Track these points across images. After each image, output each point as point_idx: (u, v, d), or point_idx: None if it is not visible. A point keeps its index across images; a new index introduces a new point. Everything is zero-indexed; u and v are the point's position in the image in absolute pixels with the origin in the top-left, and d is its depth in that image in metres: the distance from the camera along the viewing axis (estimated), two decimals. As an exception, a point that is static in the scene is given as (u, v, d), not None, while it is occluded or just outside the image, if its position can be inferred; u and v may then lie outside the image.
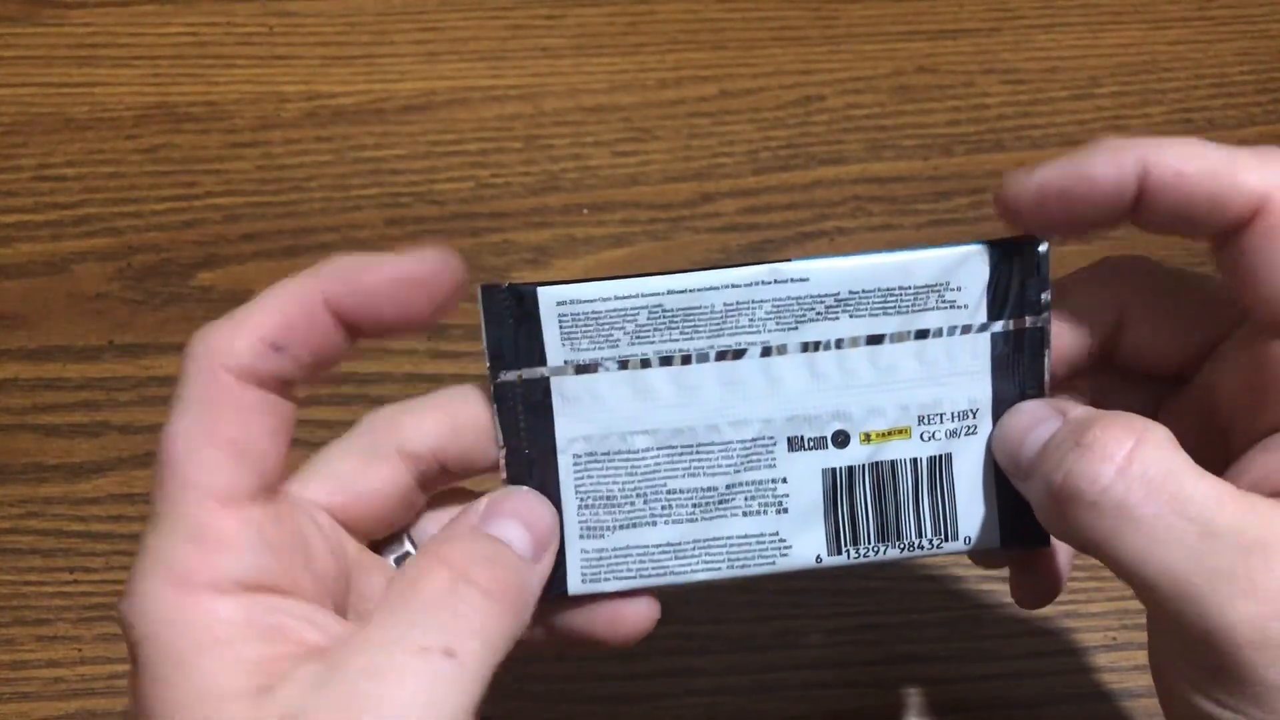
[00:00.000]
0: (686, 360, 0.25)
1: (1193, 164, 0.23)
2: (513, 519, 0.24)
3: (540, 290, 0.25)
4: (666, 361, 0.25)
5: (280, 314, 0.22)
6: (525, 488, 0.25)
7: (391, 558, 0.26)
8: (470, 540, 0.23)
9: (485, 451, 0.25)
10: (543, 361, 0.25)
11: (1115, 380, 0.27)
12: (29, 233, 0.46)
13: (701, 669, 0.38)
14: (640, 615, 0.26)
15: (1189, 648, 0.22)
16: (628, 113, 0.49)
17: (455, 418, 0.25)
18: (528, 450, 0.25)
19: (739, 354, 0.25)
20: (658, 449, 0.26)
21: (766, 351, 0.25)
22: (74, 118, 0.49)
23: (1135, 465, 0.22)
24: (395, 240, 0.46)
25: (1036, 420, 0.24)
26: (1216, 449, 0.25)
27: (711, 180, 0.47)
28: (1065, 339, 0.26)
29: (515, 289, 0.25)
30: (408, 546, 0.26)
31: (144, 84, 0.50)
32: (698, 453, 0.26)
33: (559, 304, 0.25)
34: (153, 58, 0.50)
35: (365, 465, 0.24)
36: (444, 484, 0.26)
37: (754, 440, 0.25)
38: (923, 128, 0.49)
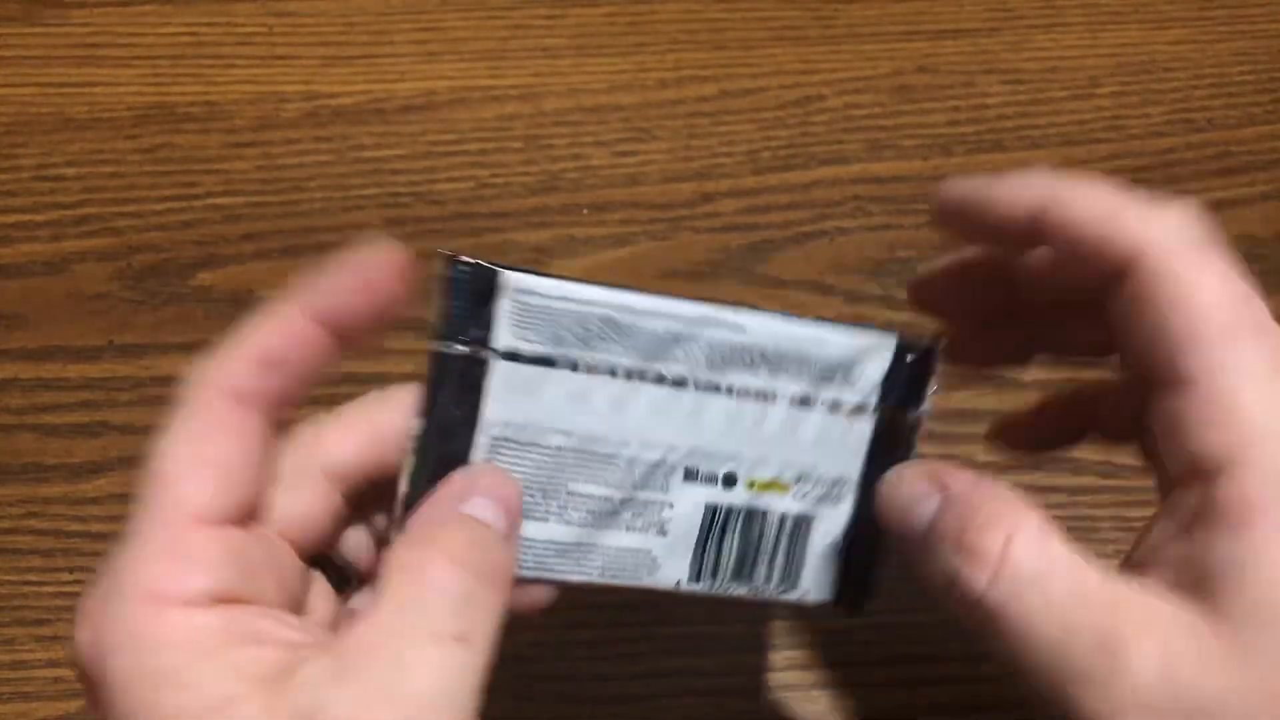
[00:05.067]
0: (629, 376, 0.26)
1: (1084, 210, 0.23)
2: (489, 497, 0.24)
3: (504, 272, 0.25)
4: (611, 374, 0.26)
5: (270, 334, 0.23)
6: (491, 464, 0.25)
7: (324, 572, 0.25)
8: (461, 526, 0.23)
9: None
10: (489, 342, 0.25)
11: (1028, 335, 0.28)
12: (29, 233, 0.46)
13: (701, 669, 0.38)
14: (534, 598, 0.27)
15: None
16: (628, 113, 0.49)
17: (379, 430, 0.25)
18: (447, 420, 0.25)
19: (678, 383, 0.26)
20: (570, 451, 0.26)
21: (697, 386, 0.26)
22: (74, 118, 0.49)
23: (1006, 568, 0.22)
24: (396, 240, 0.46)
25: (915, 498, 0.25)
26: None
27: (711, 180, 0.47)
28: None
29: (480, 265, 0.24)
30: (339, 562, 0.26)
31: (144, 84, 0.50)
32: (604, 462, 0.26)
33: (518, 290, 0.25)
34: (152, 58, 0.50)
35: (290, 490, 0.24)
36: (374, 494, 0.26)
37: (655, 464, 0.26)
38: (923, 128, 0.49)
